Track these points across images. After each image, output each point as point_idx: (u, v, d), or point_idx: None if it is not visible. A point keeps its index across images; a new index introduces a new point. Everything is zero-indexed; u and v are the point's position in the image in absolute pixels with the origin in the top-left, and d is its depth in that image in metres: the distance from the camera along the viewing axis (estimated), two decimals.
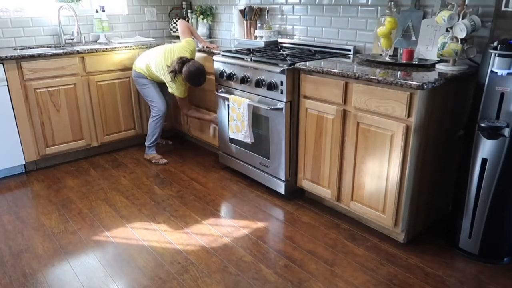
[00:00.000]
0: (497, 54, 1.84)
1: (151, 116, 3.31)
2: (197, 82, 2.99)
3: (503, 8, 2.02)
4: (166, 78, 3.05)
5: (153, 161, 3.37)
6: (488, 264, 2.07)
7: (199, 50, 3.26)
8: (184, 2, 4.22)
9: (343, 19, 2.88)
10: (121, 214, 2.58)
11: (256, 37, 3.41)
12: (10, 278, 2.01)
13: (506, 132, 1.88)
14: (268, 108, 2.54)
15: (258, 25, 3.49)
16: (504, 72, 1.83)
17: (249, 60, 2.71)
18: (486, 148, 1.95)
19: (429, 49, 2.38)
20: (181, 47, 3.09)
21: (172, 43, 3.20)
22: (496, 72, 1.85)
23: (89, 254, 2.19)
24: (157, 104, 3.24)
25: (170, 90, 3.11)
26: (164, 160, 3.37)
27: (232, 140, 3.01)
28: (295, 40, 3.26)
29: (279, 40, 3.34)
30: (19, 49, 3.29)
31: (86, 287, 1.95)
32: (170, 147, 3.73)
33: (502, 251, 2.09)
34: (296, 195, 2.76)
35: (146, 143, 3.38)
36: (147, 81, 3.21)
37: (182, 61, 2.95)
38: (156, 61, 3.07)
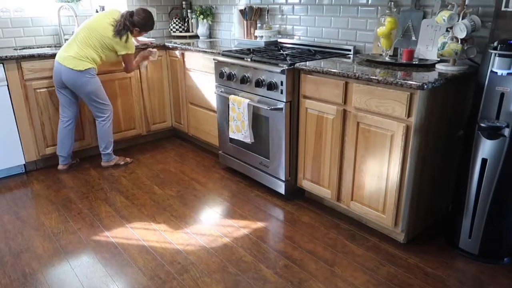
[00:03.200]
0: (497, 54, 1.84)
1: (103, 120, 3.10)
2: (153, 23, 3.02)
3: (503, 8, 2.02)
4: (115, 42, 2.90)
5: (122, 163, 3.32)
6: (488, 264, 2.07)
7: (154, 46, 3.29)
8: (184, 2, 4.22)
9: (343, 19, 2.88)
10: (121, 214, 2.58)
11: (256, 37, 3.41)
12: (10, 278, 2.01)
13: (506, 132, 1.88)
14: (268, 108, 2.54)
15: (258, 25, 3.50)
16: (504, 72, 1.83)
17: (249, 60, 2.71)
18: (486, 148, 1.95)
19: (429, 49, 2.38)
20: (109, 12, 2.98)
21: (87, 20, 3.00)
22: (496, 72, 1.85)
23: (89, 254, 2.19)
24: (109, 104, 3.12)
25: (123, 52, 2.96)
26: (128, 159, 3.39)
27: (232, 140, 3.01)
28: (295, 40, 3.26)
29: (279, 40, 3.34)
30: (19, 49, 3.29)
31: (86, 287, 1.95)
32: (169, 147, 3.73)
33: (502, 251, 2.09)
34: (296, 195, 2.76)
35: (108, 151, 3.22)
36: (97, 77, 2.98)
37: (129, 14, 2.91)
38: (102, 30, 2.87)
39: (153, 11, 4.13)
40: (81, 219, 2.53)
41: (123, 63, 3.10)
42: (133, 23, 2.93)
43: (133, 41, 3.04)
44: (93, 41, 2.90)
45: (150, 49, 3.31)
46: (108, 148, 3.23)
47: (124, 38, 2.93)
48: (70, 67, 2.86)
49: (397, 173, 2.06)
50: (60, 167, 3.22)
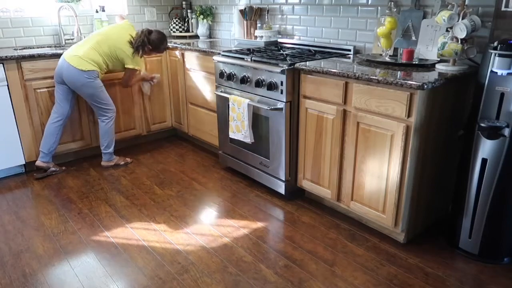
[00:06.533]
0: (497, 54, 1.84)
1: (105, 120, 3.13)
2: (166, 46, 3.23)
3: (503, 8, 2.02)
4: (126, 55, 3.01)
5: (122, 163, 3.33)
6: (488, 264, 2.07)
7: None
8: (184, 2, 4.23)
9: (343, 19, 2.88)
10: (121, 214, 2.58)
11: (256, 37, 3.41)
12: (10, 278, 2.01)
13: (506, 132, 1.88)
14: (268, 108, 2.54)
15: (258, 25, 3.50)
16: (504, 72, 1.83)
17: (249, 60, 2.71)
18: (486, 148, 1.95)
19: (429, 49, 2.38)
20: (128, 25, 3.13)
21: (106, 26, 3.23)
22: (496, 72, 1.85)
23: (89, 254, 2.19)
24: (112, 105, 3.14)
25: (130, 66, 3.06)
26: (128, 159, 3.40)
27: (232, 140, 3.01)
28: (295, 40, 3.26)
29: (279, 40, 3.34)
30: (19, 49, 3.29)
31: (86, 287, 1.95)
32: (169, 147, 3.73)
33: (502, 251, 2.09)
34: (296, 195, 2.76)
35: (109, 150, 3.23)
36: (98, 80, 3.00)
37: (148, 32, 3.08)
38: (117, 41, 2.99)
39: (153, 11, 4.14)
40: (81, 219, 2.53)
41: (124, 75, 3.17)
42: (149, 40, 3.06)
43: (141, 58, 3.14)
44: (103, 48, 2.97)
45: (155, 74, 3.50)
46: (109, 148, 3.23)
47: (137, 53, 3.06)
48: (73, 65, 2.88)
49: (397, 173, 2.06)
50: (37, 162, 3.10)
